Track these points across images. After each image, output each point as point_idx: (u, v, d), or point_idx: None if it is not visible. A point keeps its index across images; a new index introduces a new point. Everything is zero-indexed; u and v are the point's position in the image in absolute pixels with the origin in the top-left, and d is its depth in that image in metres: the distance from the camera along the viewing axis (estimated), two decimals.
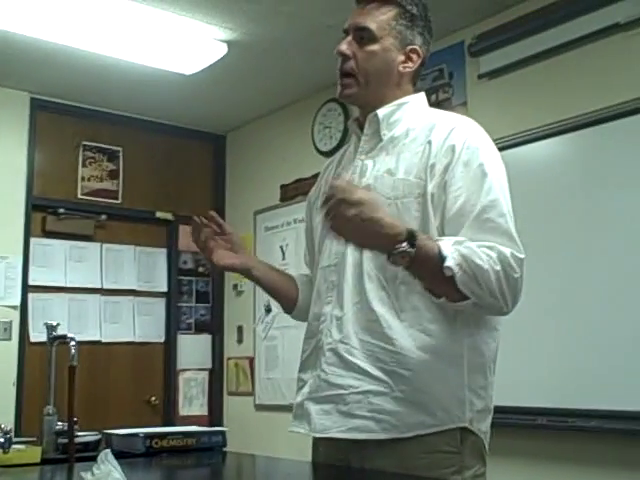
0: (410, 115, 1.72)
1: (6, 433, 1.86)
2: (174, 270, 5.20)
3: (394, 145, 1.68)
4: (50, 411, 2.09)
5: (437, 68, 3.79)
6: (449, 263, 1.44)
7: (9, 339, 4.42)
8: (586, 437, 3.05)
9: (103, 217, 4.92)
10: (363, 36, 1.69)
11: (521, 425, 3.20)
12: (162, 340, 5.12)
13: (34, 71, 4.34)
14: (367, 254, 1.59)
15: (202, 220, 1.82)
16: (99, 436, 2.14)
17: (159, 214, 5.16)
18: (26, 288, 4.55)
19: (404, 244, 1.43)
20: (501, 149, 3.62)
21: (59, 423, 2.08)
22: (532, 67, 3.45)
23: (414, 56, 1.72)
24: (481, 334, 1.60)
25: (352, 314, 1.61)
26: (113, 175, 5.02)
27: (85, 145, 4.92)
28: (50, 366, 2.15)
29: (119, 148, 5.06)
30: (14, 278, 4.49)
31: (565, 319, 3.13)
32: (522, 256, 1.51)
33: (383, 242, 1.45)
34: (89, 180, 4.93)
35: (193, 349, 5.24)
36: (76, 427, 1.95)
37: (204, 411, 5.23)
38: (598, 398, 2.99)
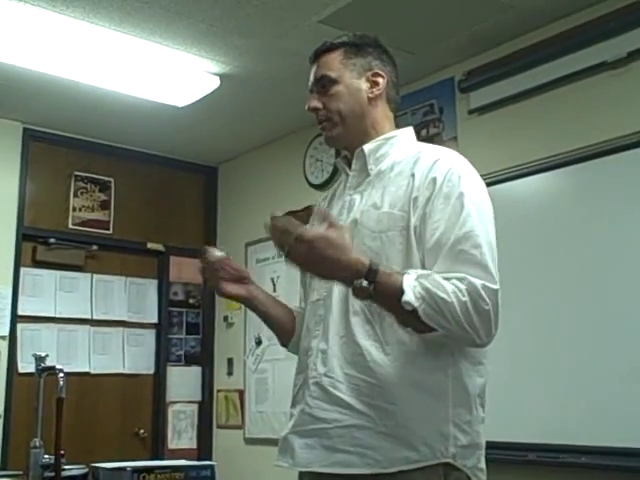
0: (397, 149, 1.76)
1: None
2: (165, 301, 5.19)
3: (380, 179, 1.72)
4: (37, 444, 2.07)
5: (428, 103, 3.83)
6: (407, 298, 1.46)
7: None
8: (576, 473, 3.04)
9: (94, 247, 4.92)
10: (324, 84, 1.79)
11: (511, 461, 3.18)
12: (152, 372, 5.08)
13: (27, 101, 4.37)
14: None
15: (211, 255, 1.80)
16: (86, 470, 2.13)
17: (150, 245, 5.16)
18: (15, 318, 4.52)
19: (361, 280, 1.47)
20: (491, 184, 3.64)
21: (46, 456, 2.06)
22: (521, 103, 3.49)
23: (378, 79, 1.78)
24: (466, 368, 1.60)
25: (337, 348, 1.61)
26: (104, 205, 5.03)
27: (77, 175, 4.94)
28: (38, 398, 2.13)
29: (111, 179, 5.07)
30: (3, 308, 4.47)
31: (556, 355, 3.13)
32: (495, 287, 1.51)
33: (341, 277, 1.51)
34: (80, 210, 4.93)
35: (183, 381, 5.21)
36: (63, 460, 1.93)
37: (193, 444, 5.18)
38: (588, 434, 2.98)
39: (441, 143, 3.70)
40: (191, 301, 5.34)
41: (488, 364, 1.65)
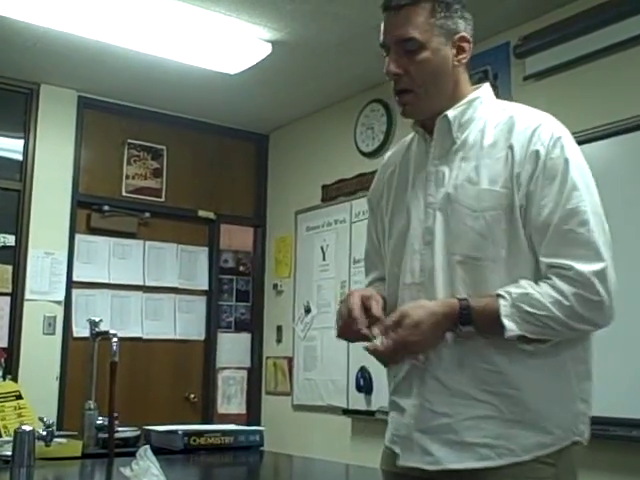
0: (482, 113, 1.60)
1: (48, 427, 1.89)
2: (215, 269, 5.23)
3: (470, 149, 1.57)
4: (91, 406, 2.12)
5: (482, 69, 3.75)
6: (510, 331, 1.43)
7: (53, 334, 4.49)
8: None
9: (147, 215, 4.97)
10: (409, 48, 1.56)
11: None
12: (202, 338, 5.15)
13: (81, 69, 4.41)
14: (459, 273, 1.52)
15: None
16: (139, 432, 2.16)
17: (201, 213, 5.20)
18: (70, 284, 4.62)
19: (460, 326, 1.46)
20: None
21: (100, 418, 2.10)
22: (580, 68, 3.40)
23: (465, 44, 1.60)
24: (581, 343, 1.53)
25: (449, 337, 1.51)
26: (157, 173, 5.07)
27: (130, 143, 4.99)
28: (92, 361, 2.18)
29: (163, 147, 5.11)
30: (59, 274, 4.56)
31: None
32: (602, 265, 1.43)
33: (444, 333, 1.48)
34: (133, 178, 4.98)
35: (233, 347, 5.27)
36: (116, 422, 1.96)
37: (242, 409, 5.25)
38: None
39: None
40: (241, 269, 5.38)
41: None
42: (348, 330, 1.55)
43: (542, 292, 1.43)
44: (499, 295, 1.45)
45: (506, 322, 1.42)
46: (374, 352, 1.49)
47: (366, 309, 1.55)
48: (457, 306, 1.46)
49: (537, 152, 1.49)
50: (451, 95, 1.60)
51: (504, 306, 1.43)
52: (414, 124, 1.68)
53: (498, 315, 1.43)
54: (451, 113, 1.59)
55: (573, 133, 3.49)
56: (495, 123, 1.57)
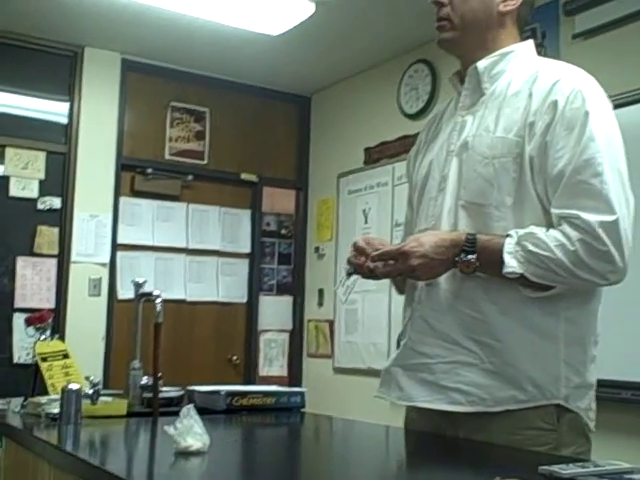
0: (514, 66, 1.60)
1: (94, 385, 1.92)
2: (257, 231, 5.25)
3: (495, 99, 1.58)
4: (136, 366, 2.14)
5: (529, 28, 3.65)
6: (509, 267, 1.42)
7: (98, 295, 4.57)
8: None
9: (190, 178, 5.00)
10: None
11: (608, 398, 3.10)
12: (244, 300, 5.19)
13: (125, 32, 4.41)
14: (462, 217, 1.54)
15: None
16: (182, 392, 2.19)
17: (244, 175, 5.20)
18: (115, 246, 4.68)
19: (462, 254, 1.46)
20: None
21: (144, 378, 2.13)
22: (631, 26, 3.28)
23: None
24: (581, 305, 1.51)
25: (443, 281, 1.54)
26: (200, 136, 5.08)
27: (173, 106, 4.99)
28: (137, 322, 2.20)
29: (206, 109, 5.11)
30: (104, 236, 4.62)
31: None
32: (612, 218, 1.39)
33: (449, 260, 1.48)
34: (176, 141, 5.00)
35: (274, 310, 5.30)
36: (161, 382, 1.99)
37: (284, 372, 5.30)
38: None
39: None
40: (283, 232, 5.39)
41: (602, 299, 1.56)
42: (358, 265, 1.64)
43: (549, 234, 1.43)
44: (508, 235, 1.46)
45: (507, 258, 1.42)
46: (369, 267, 1.58)
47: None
48: (464, 235, 1.48)
49: (556, 102, 1.48)
50: (491, 43, 1.62)
51: (509, 243, 1.44)
52: (453, 75, 1.71)
53: (500, 252, 1.43)
54: (481, 64, 1.61)
55: (622, 93, 3.41)
56: (523, 74, 1.57)
